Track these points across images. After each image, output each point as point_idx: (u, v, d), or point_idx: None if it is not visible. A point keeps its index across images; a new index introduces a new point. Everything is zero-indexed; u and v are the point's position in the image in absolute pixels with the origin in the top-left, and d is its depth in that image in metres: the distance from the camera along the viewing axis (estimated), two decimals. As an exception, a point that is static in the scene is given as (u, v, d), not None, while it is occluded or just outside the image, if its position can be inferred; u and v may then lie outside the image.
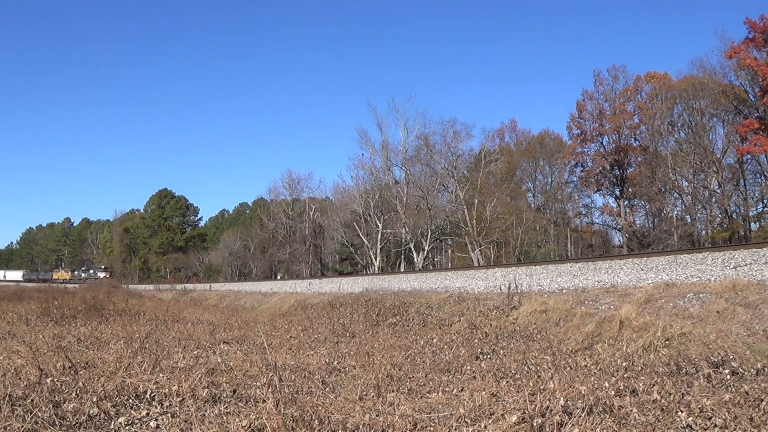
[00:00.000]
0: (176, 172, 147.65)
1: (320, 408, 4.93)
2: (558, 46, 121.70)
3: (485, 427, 4.51)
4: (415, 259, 44.88)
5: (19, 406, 4.79)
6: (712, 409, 4.71)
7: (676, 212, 43.28)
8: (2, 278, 78.98)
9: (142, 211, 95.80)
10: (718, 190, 39.84)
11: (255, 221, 71.50)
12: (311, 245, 61.06)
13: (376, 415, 4.84)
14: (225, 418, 4.71)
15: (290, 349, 9.31)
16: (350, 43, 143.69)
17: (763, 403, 4.86)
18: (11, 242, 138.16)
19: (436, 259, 53.25)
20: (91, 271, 79.48)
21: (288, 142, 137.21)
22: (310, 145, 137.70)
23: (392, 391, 5.95)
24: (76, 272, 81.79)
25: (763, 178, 40.04)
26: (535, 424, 4.31)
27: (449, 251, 51.59)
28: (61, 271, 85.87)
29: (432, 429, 4.59)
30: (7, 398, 4.82)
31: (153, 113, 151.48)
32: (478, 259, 41.30)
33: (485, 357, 7.93)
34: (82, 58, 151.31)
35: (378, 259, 46.85)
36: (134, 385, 5.46)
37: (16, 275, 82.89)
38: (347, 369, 7.32)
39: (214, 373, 6.56)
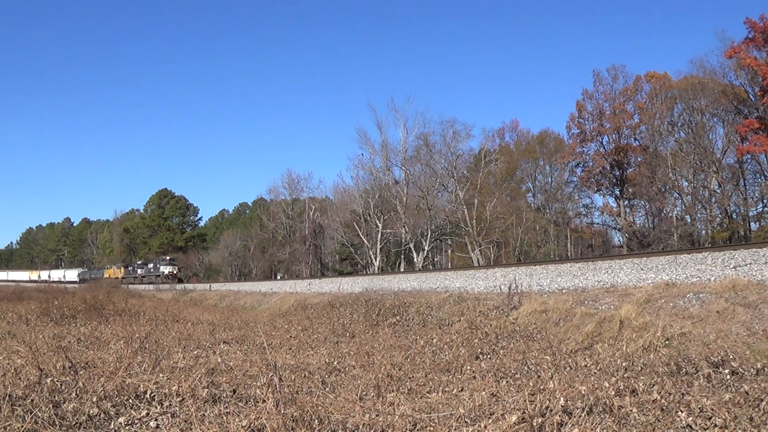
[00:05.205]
0: (176, 172, 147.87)
1: (320, 408, 4.93)
2: (558, 46, 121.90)
3: (485, 427, 4.50)
4: (415, 259, 44.87)
5: (19, 406, 4.79)
6: (712, 409, 4.71)
7: (676, 212, 43.26)
8: (63, 278, 73.96)
9: (142, 211, 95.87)
10: (718, 190, 39.82)
11: (255, 221, 71.44)
12: (311, 245, 61.02)
13: (376, 415, 4.84)
14: (225, 418, 4.71)
15: (290, 349, 9.31)
16: (350, 43, 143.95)
17: (763, 403, 4.86)
18: (11, 242, 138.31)
19: (436, 259, 53.22)
20: (150, 266, 60.94)
21: (288, 142, 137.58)
22: (310, 145, 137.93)
23: (392, 391, 5.95)
24: (130, 268, 64.89)
25: (763, 178, 40.03)
26: (535, 424, 4.31)
27: (449, 251, 51.57)
28: (113, 268, 69.45)
29: (432, 429, 4.59)
30: (7, 398, 4.82)
31: (153, 113, 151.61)
32: (478, 259, 41.28)
33: (485, 357, 7.93)
34: (82, 58, 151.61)
35: (378, 259, 46.83)
36: (134, 385, 5.46)
37: (72, 275, 75.63)
38: (347, 369, 7.32)
39: (214, 373, 6.56)
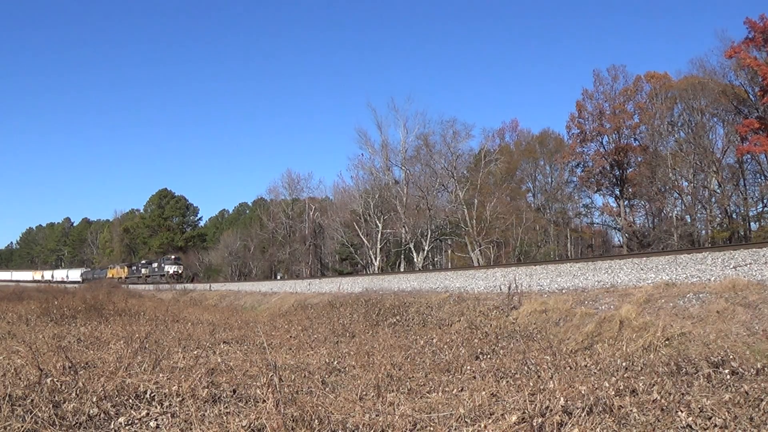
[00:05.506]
0: (176, 172, 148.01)
1: (320, 408, 4.93)
2: (558, 46, 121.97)
3: (485, 427, 4.50)
4: (415, 259, 44.86)
5: (19, 406, 4.79)
6: (712, 409, 4.70)
7: (676, 212, 43.25)
8: (66, 278, 73.48)
9: (142, 211, 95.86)
10: (718, 190, 39.82)
11: (255, 221, 71.40)
12: (311, 245, 61.01)
13: (376, 415, 4.84)
14: (225, 418, 4.71)
15: (290, 349, 9.31)
16: (350, 43, 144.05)
17: (763, 403, 4.86)
18: (11, 242, 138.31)
19: (436, 259, 53.22)
20: (154, 265, 59.14)
21: (288, 142, 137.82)
22: (310, 145, 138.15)
23: (392, 391, 5.95)
24: (133, 267, 63.41)
25: (763, 178, 40.02)
26: (535, 424, 4.31)
27: (449, 251, 51.55)
28: (116, 267, 68.12)
29: (432, 429, 4.59)
30: (7, 398, 4.82)
31: (153, 113, 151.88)
32: (478, 259, 41.27)
33: (485, 357, 7.93)
34: (82, 58, 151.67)
35: (378, 259, 46.82)
36: (134, 385, 5.46)
37: (75, 275, 75.24)
38: (347, 369, 7.32)
39: (214, 373, 6.56)
